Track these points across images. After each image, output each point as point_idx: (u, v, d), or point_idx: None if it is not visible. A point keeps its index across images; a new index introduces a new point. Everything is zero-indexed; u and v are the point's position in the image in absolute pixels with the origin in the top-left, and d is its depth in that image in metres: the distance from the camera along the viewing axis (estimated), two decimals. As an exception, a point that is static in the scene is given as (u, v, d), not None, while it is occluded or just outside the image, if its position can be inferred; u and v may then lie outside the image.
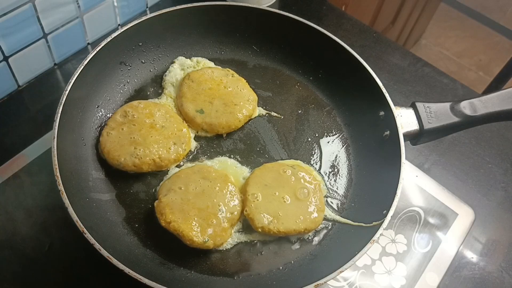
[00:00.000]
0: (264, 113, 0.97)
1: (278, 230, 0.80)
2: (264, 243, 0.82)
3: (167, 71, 0.98)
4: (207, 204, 0.80)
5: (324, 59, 1.00)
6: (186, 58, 1.00)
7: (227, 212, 0.80)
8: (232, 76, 0.96)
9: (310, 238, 0.84)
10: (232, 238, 0.82)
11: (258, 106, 0.97)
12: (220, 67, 1.00)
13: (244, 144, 0.93)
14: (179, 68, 0.98)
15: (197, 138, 0.92)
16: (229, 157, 0.91)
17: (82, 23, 1.07)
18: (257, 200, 0.82)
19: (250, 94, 0.96)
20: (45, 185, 0.91)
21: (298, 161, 0.92)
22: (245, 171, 0.89)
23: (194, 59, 1.00)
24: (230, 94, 0.94)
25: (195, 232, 0.77)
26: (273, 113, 0.97)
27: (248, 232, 0.83)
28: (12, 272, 0.82)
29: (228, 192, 0.82)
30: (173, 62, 0.99)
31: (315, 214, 0.83)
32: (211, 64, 1.01)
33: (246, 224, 0.83)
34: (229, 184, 0.84)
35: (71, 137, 0.82)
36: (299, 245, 0.83)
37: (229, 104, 0.93)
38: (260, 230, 0.80)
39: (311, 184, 0.85)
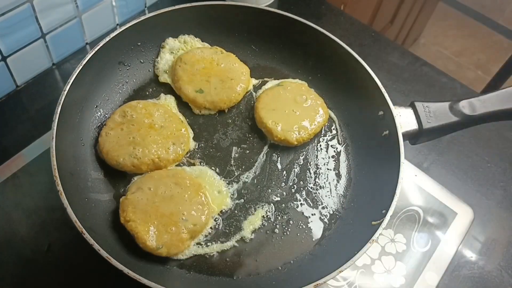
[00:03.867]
0: (257, 83, 1.00)
1: (309, 134, 0.91)
2: (263, 243, 0.82)
3: (158, 58, 0.98)
4: (171, 210, 0.78)
5: (323, 58, 0.99)
6: (173, 38, 1.00)
7: (189, 223, 0.78)
8: (221, 53, 0.98)
9: (310, 236, 0.84)
10: (189, 250, 0.79)
11: (251, 77, 1.00)
12: (207, 44, 1.01)
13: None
14: (169, 52, 0.99)
15: (196, 138, 0.92)
16: (229, 156, 0.91)
17: (81, 23, 1.07)
18: (278, 124, 0.90)
19: (242, 67, 0.98)
20: (44, 185, 0.91)
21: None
22: (222, 184, 0.87)
23: (182, 38, 1.00)
24: (224, 70, 0.96)
25: (150, 236, 0.75)
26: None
27: (208, 245, 0.80)
28: (11, 273, 0.82)
29: (197, 203, 0.80)
30: (162, 47, 0.99)
31: (321, 111, 0.94)
32: (198, 41, 1.01)
33: (210, 236, 0.81)
34: (201, 194, 0.81)
35: (69, 137, 0.82)
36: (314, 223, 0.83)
37: (226, 80, 0.95)
38: (296, 142, 0.90)
39: (301, 89, 0.96)
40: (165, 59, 0.98)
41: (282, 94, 0.95)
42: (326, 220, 0.86)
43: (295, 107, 0.94)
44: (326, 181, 0.91)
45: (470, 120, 0.87)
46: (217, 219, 0.83)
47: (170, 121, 0.89)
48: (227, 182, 0.88)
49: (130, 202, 0.78)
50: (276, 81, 1.01)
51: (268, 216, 0.85)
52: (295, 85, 0.98)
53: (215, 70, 0.96)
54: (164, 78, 0.97)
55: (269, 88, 0.98)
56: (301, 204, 0.87)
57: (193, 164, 0.89)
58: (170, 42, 0.99)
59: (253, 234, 0.83)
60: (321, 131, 0.96)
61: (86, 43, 1.13)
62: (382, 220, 0.76)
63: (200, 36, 1.01)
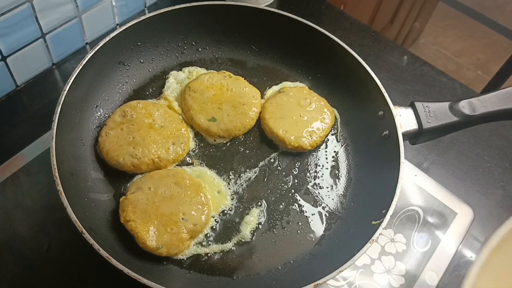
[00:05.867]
0: None
1: (321, 137, 0.92)
2: (262, 243, 0.82)
3: (165, 87, 0.96)
4: (171, 210, 0.78)
5: (323, 58, 0.99)
6: (177, 71, 0.98)
7: (189, 223, 0.78)
8: (230, 77, 0.96)
9: (310, 236, 0.84)
10: (189, 250, 0.79)
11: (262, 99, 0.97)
12: (213, 70, 0.99)
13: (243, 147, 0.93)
14: (175, 82, 0.97)
15: (196, 139, 0.92)
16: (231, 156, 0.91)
17: (81, 23, 1.07)
18: (287, 132, 0.90)
19: (253, 90, 0.96)
20: (44, 185, 0.91)
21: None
22: (221, 184, 0.87)
23: (186, 69, 0.99)
24: (235, 95, 0.94)
25: (150, 236, 0.75)
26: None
27: (207, 245, 0.81)
28: (11, 273, 0.82)
29: (197, 203, 0.80)
30: (167, 78, 0.97)
31: (327, 112, 0.95)
32: (203, 70, 0.99)
33: (210, 236, 0.81)
34: (201, 194, 0.82)
35: (69, 137, 0.82)
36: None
37: (238, 106, 0.92)
38: (310, 147, 0.90)
39: (302, 92, 0.96)
40: (172, 88, 0.95)
41: (285, 100, 0.95)
42: (326, 220, 0.86)
43: (301, 112, 0.93)
44: (326, 181, 0.91)
45: (470, 120, 0.87)
46: (217, 219, 0.83)
47: (170, 121, 0.89)
48: (227, 182, 0.88)
49: (130, 202, 0.78)
50: (276, 87, 1.00)
51: (268, 216, 0.85)
52: (296, 89, 0.97)
53: (225, 96, 0.93)
54: (174, 105, 0.93)
55: (271, 96, 0.97)
56: (300, 204, 0.87)
57: (193, 164, 0.89)
58: (174, 73, 0.97)
59: (252, 234, 0.83)
60: (331, 131, 0.96)
61: (86, 43, 1.13)
62: (382, 220, 0.76)
63: (200, 36, 1.01)
